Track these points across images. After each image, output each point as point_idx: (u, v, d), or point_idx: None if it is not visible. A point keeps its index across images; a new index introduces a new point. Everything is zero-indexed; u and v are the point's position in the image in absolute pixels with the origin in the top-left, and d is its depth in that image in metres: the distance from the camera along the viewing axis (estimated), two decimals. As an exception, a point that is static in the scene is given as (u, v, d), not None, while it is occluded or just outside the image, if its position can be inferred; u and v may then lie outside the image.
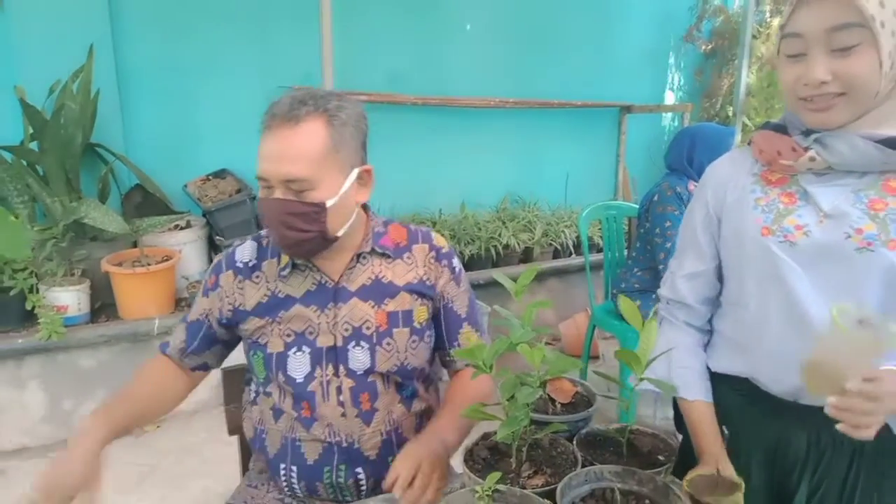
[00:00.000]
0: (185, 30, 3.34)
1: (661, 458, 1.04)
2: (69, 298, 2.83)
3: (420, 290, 1.27)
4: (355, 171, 1.17)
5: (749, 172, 1.12)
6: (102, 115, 3.07)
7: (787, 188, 1.06)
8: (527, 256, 3.99)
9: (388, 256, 1.26)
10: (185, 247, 3.18)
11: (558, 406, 1.19)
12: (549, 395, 1.21)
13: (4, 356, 2.71)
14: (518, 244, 3.88)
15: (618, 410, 2.72)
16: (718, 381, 1.16)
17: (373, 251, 1.25)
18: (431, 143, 4.01)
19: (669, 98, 4.91)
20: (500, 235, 3.83)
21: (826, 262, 0.99)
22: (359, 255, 1.24)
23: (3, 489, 2.50)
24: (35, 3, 2.93)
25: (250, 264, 1.26)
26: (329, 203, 1.13)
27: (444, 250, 1.31)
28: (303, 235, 1.13)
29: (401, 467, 1.04)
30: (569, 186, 4.54)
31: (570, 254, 4.10)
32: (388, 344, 1.24)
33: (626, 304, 1.03)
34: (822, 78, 0.94)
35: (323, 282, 1.23)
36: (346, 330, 1.22)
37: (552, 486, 0.92)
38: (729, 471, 0.99)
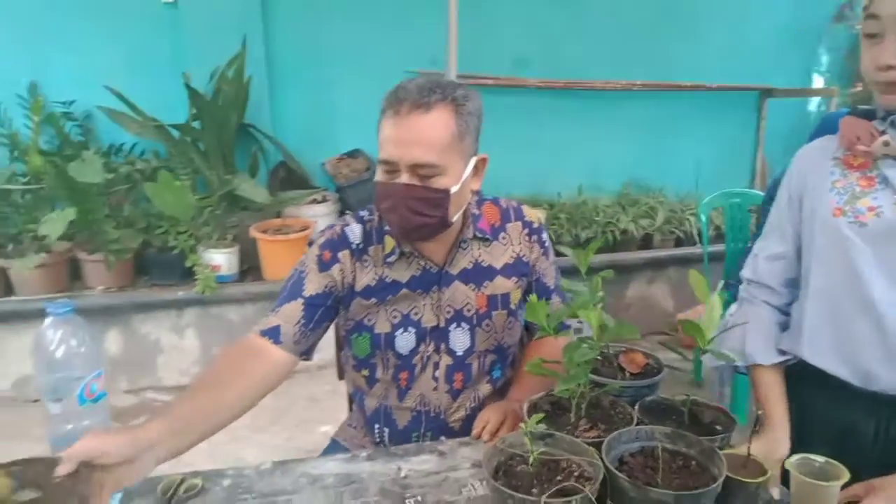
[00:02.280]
0: (326, 20, 3.65)
1: (718, 427, 1.09)
2: (221, 259, 3.23)
3: (517, 269, 1.35)
4: (474, 160, 1.22)
5: (832, 156, 1.14)
6: (253, 99, 3.44)
7: (867, 172, 1.06)
8: (646, 243, 3.94)
9: (487, 240, 1.32)
10: (320, 219, 3.50)
11: (627, 375, 1.26)
12: (619, 365, 1.28)
13: (168, 306, 3.17)
14: (637, 230, 3.84)
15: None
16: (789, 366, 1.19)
17: (474, 236, 1.30)
18: (553, 126, 4.06)
19: (816, 82, 4.57)
20: (618, 221, 3.82)
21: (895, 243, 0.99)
22: (461, 241, 1.29)
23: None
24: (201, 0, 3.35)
25: (360, 247, 1.28)
26: (453, 190, 1.16)
27: (535, 225, 1.39)
28: (425, 220, 1.17)
29: (488, 415, 1.19)
30: (700, 174, 4.39)
31: (694, 243, 3.98)
32: (488, 325, 1.33)
33: (694, 276, 1.08)
34: (889, 62, 0.94)
35: (427, 267, 1.29)
36: (449, 312, 1.31)
37: (603, 439, 1.00)
38: (781, 443, 1.03)
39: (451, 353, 1.33)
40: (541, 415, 0.96)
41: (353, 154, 3.78)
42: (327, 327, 1.31)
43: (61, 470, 0.82)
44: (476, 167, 1.24)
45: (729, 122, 4.44)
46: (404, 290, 1.29)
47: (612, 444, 0.99)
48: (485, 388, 1.39)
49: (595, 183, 4.18)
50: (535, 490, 0.90)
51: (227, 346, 1.23)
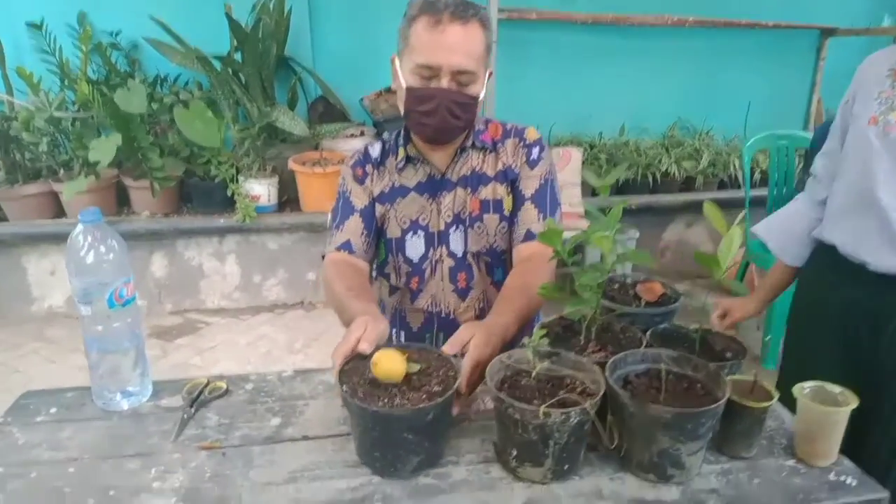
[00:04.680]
0: (368, -51, 3.56)
1: (728, 354, 1.09)
2: (261, 189, 3.30)
3: (506, 177, 1.39)
4: (488, 72, 1.32)
5: (890, 67, 1.23)
6: (294, 32, 3.43)
7: None
8: (688, 186, 3.85)
9: (486, 149, 1.39)
10: (358, 153, 3.51)
11: (643, 304, 1.26)
12: (636, 293, 1.28)
13: (210, 233, 3.28)
14: (679, 172, 3.75)
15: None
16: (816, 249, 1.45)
17: (473, 145, 1.39)
18: (598, 63, 3.93)
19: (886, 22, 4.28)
20: (659, 162, 3.72)
21: None
22: (462, 149, 1.38)
23: (208, 338, 3.09)
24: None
25: (379, 160, 1.43)
26: (480, 96, 1.29)
27: (529, 140, 1.41)
28: (458, 123, 1.28)
29: (464, 336, 1.05)
30: (750, 116, 4.21)
31: (738, 187, 3.87)
32: (479, 228, 1.40)
33: (709, 207, 1.07)
34: None
35: (432, 173, 1.39)
36: (448, 216, 1.40)
37: (607, 360, 1.02)
38: (748, 305, 1.56)
39: (452, 255, 1.42)
40: (544, 331, 0.97)
41: (391, 90, 3.74)
42: (377, 238, 1.44)
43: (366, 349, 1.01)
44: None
45: (784, 63, 4.21)
46: (412, 194, 1.40)
47: (618, 363, 1.00)
48: (490, 290, 1.45)
49: (639, 124, 4.07)
50: (536, 401, 0.93)
51: (327, 271, 1.34)
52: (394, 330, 1.51)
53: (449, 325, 1.44)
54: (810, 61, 4.25)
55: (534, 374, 0.96)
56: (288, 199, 3.51)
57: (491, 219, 1.39)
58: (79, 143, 3.20)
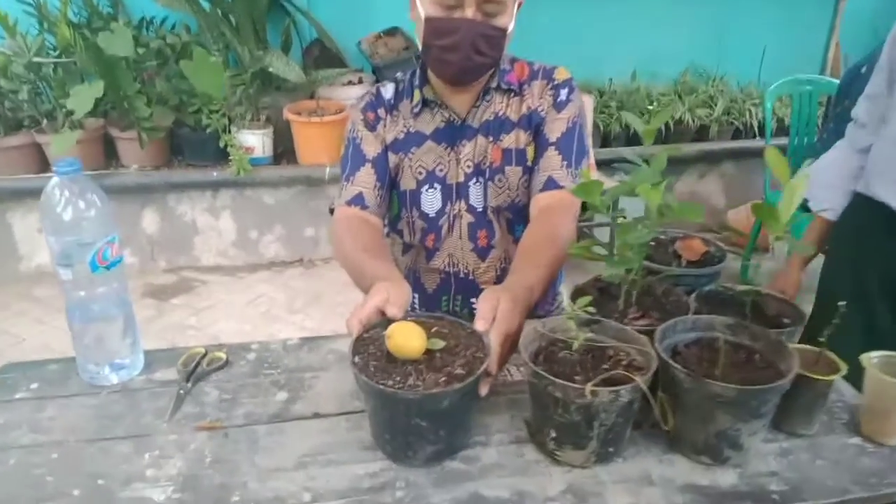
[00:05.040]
0: None
1: (785, 320, 0.98)
2: (255, 140, 3.15)
3: (530, 121, 1.25)
4: (517, 1, 1.16)
5: None
6: (286, -32, 3.21)
7: None
8: (701, 135, 3.70)
9: (512, 92, 1.25)
10: (356, 101, 3.34)
11: (684, 263, 1.14)
12: (675, 252, 1.16)
13: (203, 187, 3.13)
14: (693, 120, 3.59)
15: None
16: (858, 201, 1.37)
17: (498, 87, 1.24)
18: (608, 5, 3.72)
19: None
20: (673, 110, 3.56)
21: None
22: (485, 92, 1.23)
23: (204, 297, 2.98)
24: None
25: (392, 103, 1.29)
26: (509, 28, 1.14)
27: (558, 80, 1.26)
28: (483, 60, 1.14)
29: (488, 306, 0.91)
30: (765, 62, 4.02)
31: (754, 136, 3.72)
32: (500, 181, 1.26)
33: (772, 154, 0.94)
34: None
35: (451, 119, 1.25)
36: (469, 167, 1.26)
37: (654, 329, 0.91)
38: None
39: (471, 210, 1.29)
40: (588, 297, 0.86)
41: (390, 32, 3.54)
42: (391, 191, 1.31)
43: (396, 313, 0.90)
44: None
45: (802, 6, 4.00)
46: (429, 142, 1.26)
47: (667, 332, 0.89)
48: (512, 249, 1.32)
49: (651, 69, 3.87)
50: (578, 378, 0.82)
51: (337, 228, 1.22)
52: (407, 292, 1.39)
53: (467, 287, 1.32)
54: (829, 4, 4.04)
55: (575, 345, 0.85)
56: (283, 150, 3.35)
57: (513, 171, 1.25)
58: (61, 91, 3.02)
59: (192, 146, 3.22)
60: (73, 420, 0.93)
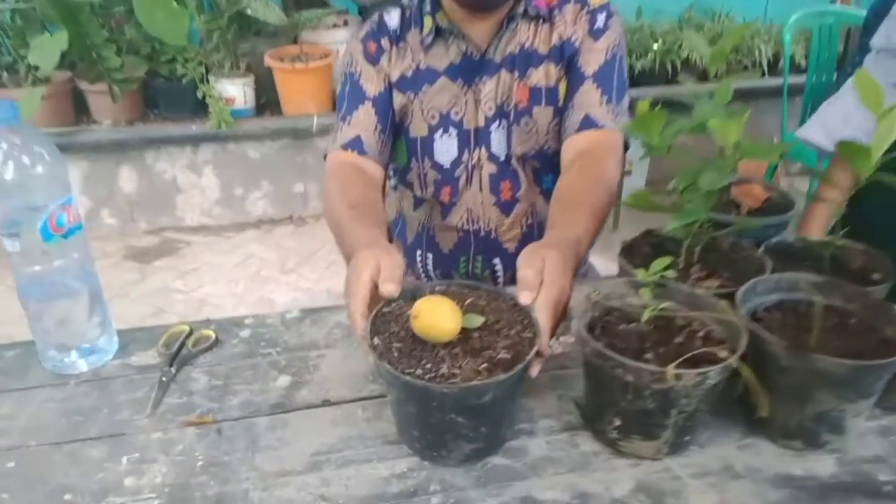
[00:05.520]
0: None
1: (875, 276, 0.84)
2: (235, 90, 2.92)
3: (562, 54, 1.07)
4: None
5: None
6: None
7: None
8: (707, 75, 3.49)
9: (541, 19, 1.07)
10: (342, 46, 3.10)
11: (743, 213, 0.99)
12: (732, 199, 1.01)
13: (182, 142, 2.92)
14: (699, 60, 3.39)
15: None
16: None
17: (524, 13, 1.06)
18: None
19: None
20: (679, 48, 3.36)
21: None
22: (509, 19, 1.05)
23: (189, 259, 2.81)
24: None
25: (398, 33, 1.12)
26: None
27: (594, 5, 1.08)
28: None
29: (532, 272, 0.74)
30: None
31: (763, 74, 3.52)
32: (527, 124, 1.09)
33: (861, 77, 0.77)
34: None
35: (468, 52, 1.07)
36: (490, 108, 1.09)
37: (729, 291, 0.76)
38: None
39: (493, 158, 1.12)
40: (667, 260, 0.70)
41: (377, -31, 3.29)
42: (395, 135, 1.14)
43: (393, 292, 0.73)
44: None
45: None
46: (442, 79, 1.09)
47: (747, 295, 0.74)
48: (540, 202, 1.17)
49: (655, 5, 3.64)
50: (648, 355, 0.67)
51: (330, 177, 1.06)
52: (418, 253, 1.23)
53: (489, 246, 1.17)
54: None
55: (646, 316, 0.69)
56: (267, 101, 3.12)
57: (542, 112, 1.08)
58: (20, 40, 2.77)
59: (168, 98, 2.99)
60: (33, 419, 0.78)
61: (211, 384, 0.83)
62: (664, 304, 0.69)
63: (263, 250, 2.87)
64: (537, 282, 0.72)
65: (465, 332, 0.69)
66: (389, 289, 0.73)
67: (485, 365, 0.66)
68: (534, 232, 1.16)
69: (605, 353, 0.65)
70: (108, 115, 2.96)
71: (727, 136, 0.75)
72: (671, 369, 0.61)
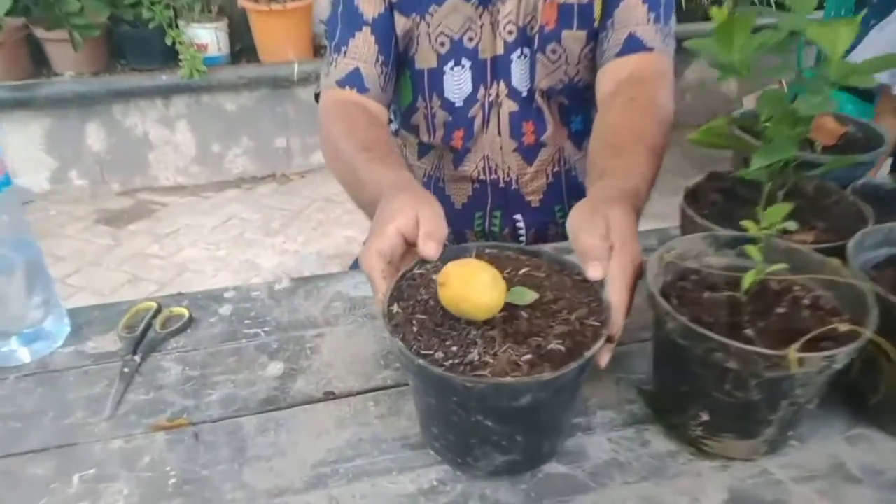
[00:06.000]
0: None
1: None
2: (208, 36, 2.70)
3: None
4: None
5: None
6: None
7: None
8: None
9: None
10: (323, -15, 2.87)
11: (818, 151, 0.83)
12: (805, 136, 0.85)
13: (152, 93, 2.70)
14: (706, -3, 3.19)
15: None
16: None
17: None
18: None
19: None
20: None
21: None
22: None
23: (166, 222, 2.62)
24: None
25: None
26: None
27: None
28: None
29: (596, 228, 0.60)
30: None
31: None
32: (555, 52, 0.91)
33: None
34: None
35: None
36: (511, 33, 0.90)
37: (829, 245, 0.61)
38: None
39: (514, 94, 0.94)
40: (785, 207, 0.54)
41: None
42: (398, 69, 0.96)
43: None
44: None
45: None
46: (453, 0, 0.88)
47: (855, 251, 0.59)
48: (569, 147, 1.00)
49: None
50: (748, 331, 0.52)
51: (326, 119, 0.89)
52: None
53: (509, 200, 1.00)
54: None
55: (746, 284, 0.54)
56: (243, 48, 2.90)
57: (572, 37, 0.90)
58: (-35, -17, 2.49)
59: (135, 46, 2.75)
60: (-40, 427, 0.62)
61: (185, 375, 0.67)
62: (775, 266, 0.53)
63: (245, 210, 2.69)
64: (606, 249, 0.56)
65: (510, 310, 0.54)
66: (431, 249, 0.58)
67: (528, 356, 0.50)
68: (560, 182, 1.00)
69: (698, 332, 0.49)
70: (71, 66, 2.72)
71: (838, 45, 0.58)
72: (793, 352, 0.46)
